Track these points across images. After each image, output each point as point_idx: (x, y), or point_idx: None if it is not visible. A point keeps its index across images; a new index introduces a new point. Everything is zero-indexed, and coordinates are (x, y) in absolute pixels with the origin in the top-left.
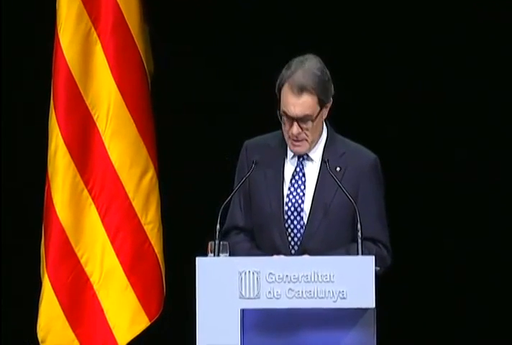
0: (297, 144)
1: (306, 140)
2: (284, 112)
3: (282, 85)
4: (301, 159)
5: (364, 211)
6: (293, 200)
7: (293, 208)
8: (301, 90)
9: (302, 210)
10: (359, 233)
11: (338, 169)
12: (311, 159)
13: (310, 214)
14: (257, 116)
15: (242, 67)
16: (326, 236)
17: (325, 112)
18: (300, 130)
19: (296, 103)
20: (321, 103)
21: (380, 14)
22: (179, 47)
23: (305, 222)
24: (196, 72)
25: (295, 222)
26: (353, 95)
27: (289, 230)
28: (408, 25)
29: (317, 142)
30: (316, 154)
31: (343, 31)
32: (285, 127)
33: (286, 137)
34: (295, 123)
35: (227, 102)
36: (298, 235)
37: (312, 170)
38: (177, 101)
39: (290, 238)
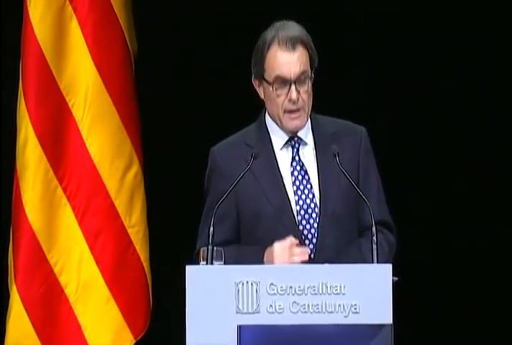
0: (294, 115)
1: (303, 110)
2: (277, 77)
3: (267, 50)
4: (296, 145)
5: (366, 190)
6: (303, 196)
7: (305, 206)
8: (294, 43)
9: (316, 205)
10: (374, 238)
11: (338, 153)
12: (306, 143)
13: (321, 207)
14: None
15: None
16: (340, 227)
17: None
18: (298, 95)
19: (291, 60)
20: (311, 63)
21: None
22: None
23: (318, 217)
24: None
25: (312, 220)
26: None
27: (305, 231)
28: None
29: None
30: (309, 136)
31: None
32: (276, 100)
33: (279, 114)
34: (293, 87)
35: (220, 90)
36: (316, 234)
37: (309, 156)
38: (165, 88)
39: (307, 241)
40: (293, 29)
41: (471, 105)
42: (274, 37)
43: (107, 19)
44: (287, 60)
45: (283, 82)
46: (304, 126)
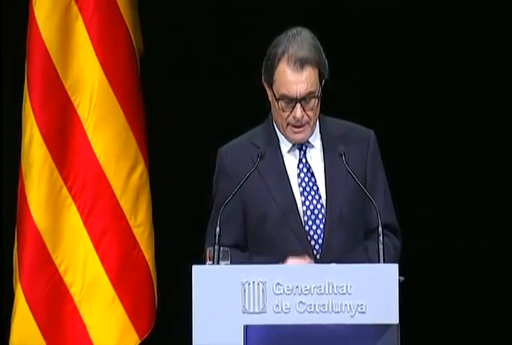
0: (298, 130)
1: (308, 124)
2: (283, 95)
3: (277, 65)
4: (304, 147)
5: (373, 193)
6: (310, 197)
7: (312, 207)
8: (303, 63)
9: (322, 206)
10: (381, 238)
11: (344, 153)
12: (312, 146)
13: (327, 209)
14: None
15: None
16: (346, 228)
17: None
18: (303, 113)
19: (299, 80)
20: (321, 78)
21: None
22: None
23: (324, 218)
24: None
25: (318, 221)
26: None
27: (311, 232)
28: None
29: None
30: (316, 139)
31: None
32: (281, 113)
33: (283, 125)
34: (298, 105)
35: (220, 90)
36: (322, 235)
37: (316, 159)
38: (164, 88)
39: (313, 242)
40: (304, 45)
41: (471, 105)
42: (284, 53)
43: (113, 18)
44: (294, 79)
45: (289, 100)
46: (309, 138)
